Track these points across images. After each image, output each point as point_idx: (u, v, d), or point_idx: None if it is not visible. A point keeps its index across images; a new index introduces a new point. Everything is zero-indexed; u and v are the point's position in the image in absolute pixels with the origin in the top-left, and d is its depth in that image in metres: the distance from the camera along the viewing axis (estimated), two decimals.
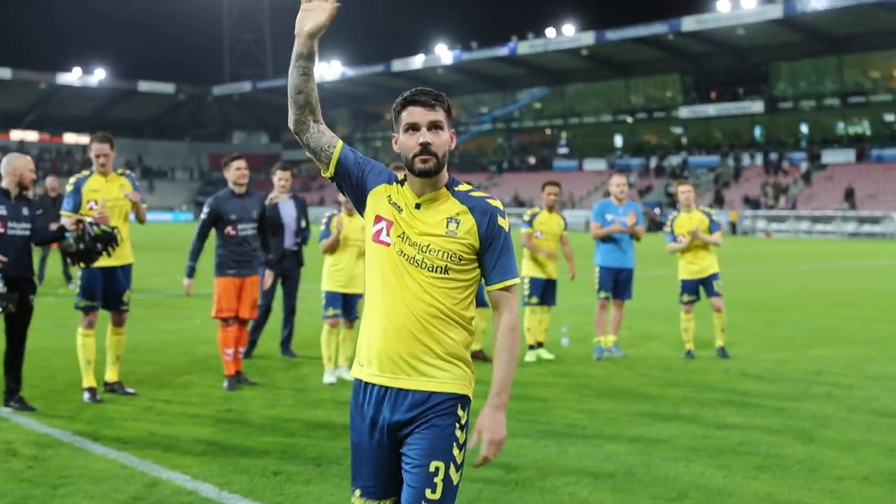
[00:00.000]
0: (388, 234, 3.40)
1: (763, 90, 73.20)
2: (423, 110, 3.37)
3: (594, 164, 78.93)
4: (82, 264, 8.11)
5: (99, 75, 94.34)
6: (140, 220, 8.88)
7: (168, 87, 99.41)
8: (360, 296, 9.28)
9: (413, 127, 3.37)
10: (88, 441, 7.04)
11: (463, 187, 3.47)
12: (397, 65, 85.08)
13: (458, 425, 3.36)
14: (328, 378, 9.33)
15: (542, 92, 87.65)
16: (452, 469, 3.32)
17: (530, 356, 10.65)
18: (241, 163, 9.16)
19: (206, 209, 9.01)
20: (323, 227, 9.39)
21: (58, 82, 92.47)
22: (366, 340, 3.43)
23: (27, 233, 7.92)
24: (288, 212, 10.44)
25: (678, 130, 79.45)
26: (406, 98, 3.42)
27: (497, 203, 3.44)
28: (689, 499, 5.78)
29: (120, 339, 8.73)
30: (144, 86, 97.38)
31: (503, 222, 3.41)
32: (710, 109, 75.59)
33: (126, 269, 8.63)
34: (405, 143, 3.38)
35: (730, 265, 12.02)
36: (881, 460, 6.71)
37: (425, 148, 3.34)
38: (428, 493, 3.27)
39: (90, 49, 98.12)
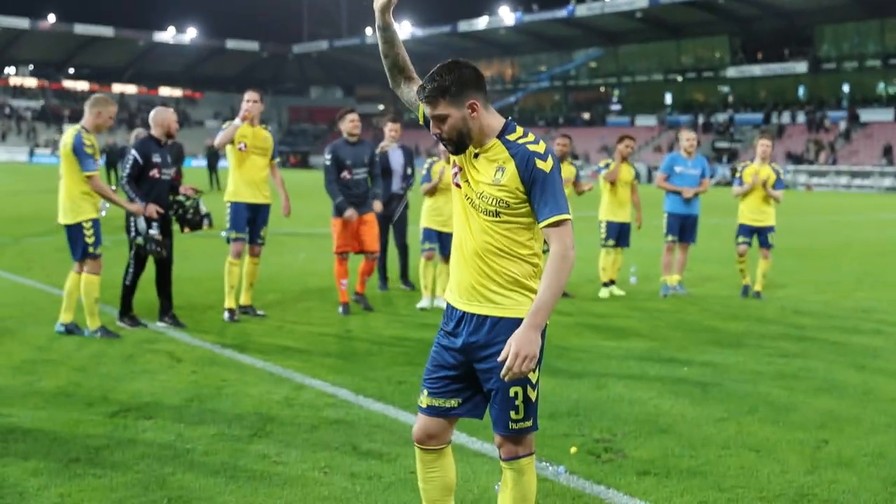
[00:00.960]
0: (459, 178, 3.52)
1: (807, 52, 71.68)
2: (426, 106, 3.44)
3: (645, 121, 78.10)
4: (187, 229, 8.81)
5: (191, 34, 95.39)
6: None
7: (253, 45, 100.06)
8: None
9: (425, 120, 3.54)
10: (236, 353, 7.59)
11: (513, 135, 3.42)
12: (463, 25, 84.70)
13: None
14: (423, 303, 9.84)
15: (597, 52, 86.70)
16: (529, 389, 3.45)
17: (604, 293, 11.03)
18: (355, 115, 9.58)
19: (328, 156, 9.43)
20: (424, 172, 9.83)
21: (154, 40, 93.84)
22: (451, 269, 3.62)
23: (170, 177, 8.52)
24: (396, 159, 10.82)
25: (725, 89, 78.16)
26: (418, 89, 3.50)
27: (538, 147, 3.37)
28: (759, 412, 6.13)
29: (255, 269, 9.30)
30: (231, 44, 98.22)
31: (542, 164, 3.32)
32: (757, 70, 74.26)
33: (265, 209, 9.16)
34: None
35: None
36: None
37: (439, 137, 3.45)
38: (512, 414, 3.45)
39: (183, 9, 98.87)
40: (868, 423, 5.97)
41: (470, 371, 3.56)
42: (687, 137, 11.49)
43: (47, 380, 6.54)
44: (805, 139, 66.05)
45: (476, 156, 3.44)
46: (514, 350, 3.24)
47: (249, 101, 8.97)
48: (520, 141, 3.39)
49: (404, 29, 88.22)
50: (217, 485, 4.63)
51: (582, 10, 76.59)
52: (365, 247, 9.58)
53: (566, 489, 4.69)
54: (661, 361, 7.60)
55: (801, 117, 70.05)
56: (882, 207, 36.04)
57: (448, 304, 3.61)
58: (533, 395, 3.48)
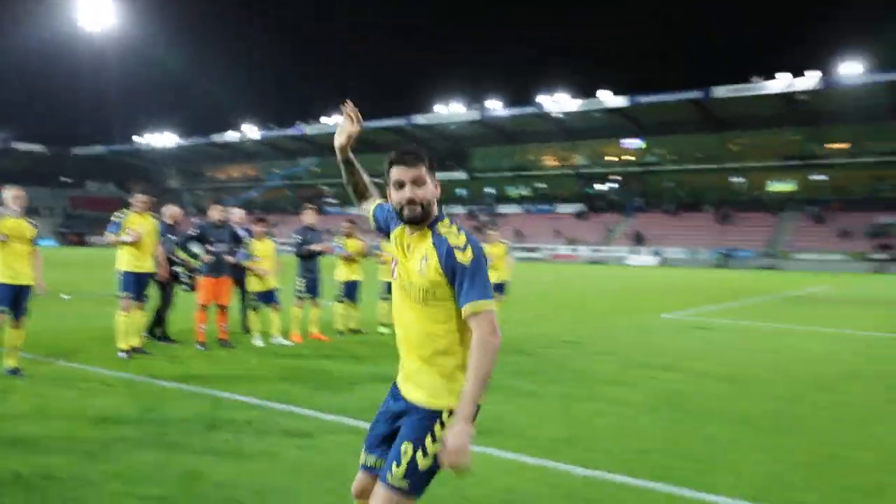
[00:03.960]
0: (396, 271, 2.92)
1: (466, 165, 77.43)
2: (405, 168, 2.84)
3: (356, 210, 79.95)
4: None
5: None
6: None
7: (38, 147, 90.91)
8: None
9: (399, 184, 2.85)
10: (152, 379, 7.29)
11: (441, 227, 2.85)
12: (216, 137, 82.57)
13: (439, 420, 2.76)
14: (256, 342, 9.94)
15: (317, 160, 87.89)
16: (420, 454, 2.72)
17: (382, 329, 11.62)
18: (222, 207, 9.76)
19: (195, 231, 9.56)
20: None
21: None
22: (401, 354, 2.95)
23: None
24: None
25: None
26: (392, 159, 2.90)
27: (458, 241, 2.77)
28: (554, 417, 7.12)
29: (143, 317, 9.03)
30: (20, 146, 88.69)
31: (461, 255, 2.72)
32: None
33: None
34: (394, 197, 2.87)
35: None
36: (619, 372, 8.26)
37: (410, 201, 2.81)
38: (394, 465, 2.75)
39: None
40: (600, 399, 7.16)
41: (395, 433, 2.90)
42: None
43: (19, 405, 6.15)
44: (468, 225, 70.95)
45: (409, 247, 2.88)
46: (449, 449, 2.59)
47: (143, 202, 8.86)
48: (443, 233, 2.82)
49: (169, 139, 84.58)
50: (213, 458, 4.80)
51: (310, 130, 77.67)
52: (219, 300, 9.70)
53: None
54: None
55: (462, 210, 75.31)
56: (521, 272, 39.44)
57: (395, 384, 3.00)
58: (421, 462, 2.72)
